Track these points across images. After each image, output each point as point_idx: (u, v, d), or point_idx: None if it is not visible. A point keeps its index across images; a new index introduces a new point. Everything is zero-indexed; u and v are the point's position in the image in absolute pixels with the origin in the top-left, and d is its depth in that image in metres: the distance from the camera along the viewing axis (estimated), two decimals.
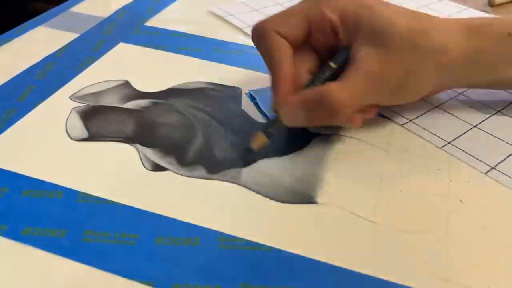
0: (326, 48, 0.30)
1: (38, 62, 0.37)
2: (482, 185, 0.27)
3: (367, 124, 0.31)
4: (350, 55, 0.28)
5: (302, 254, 0.23)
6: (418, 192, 0.27)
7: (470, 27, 0.29)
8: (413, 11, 0.29)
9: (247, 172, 0.27)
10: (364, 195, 0.26)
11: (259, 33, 0.29)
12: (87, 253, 0.22)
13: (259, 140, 0.28)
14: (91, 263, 0.22)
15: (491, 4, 0.50)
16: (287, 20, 0.29)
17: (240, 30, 0.43)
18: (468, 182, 0.27)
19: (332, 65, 0.28)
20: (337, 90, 0.26)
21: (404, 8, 0.29)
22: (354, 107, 0.27)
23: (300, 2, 0.30)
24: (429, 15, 0.29)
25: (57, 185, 0.26)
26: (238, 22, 0.44)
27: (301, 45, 0.29)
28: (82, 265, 0.22)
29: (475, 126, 0.31)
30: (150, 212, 0.25)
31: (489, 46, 0.29)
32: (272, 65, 0.28)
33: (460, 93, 0.34)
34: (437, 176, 0.28)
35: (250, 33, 0.30)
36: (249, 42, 0.40)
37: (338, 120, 0.27)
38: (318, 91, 0.26)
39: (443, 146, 0.30)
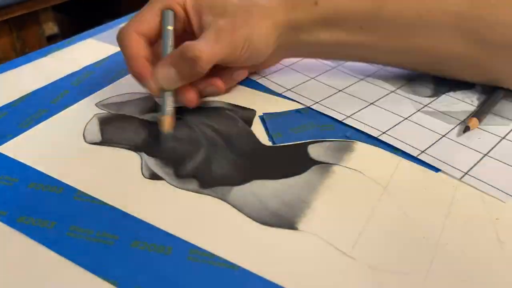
0: (183, 34, 0.34)
1: (78, 71, 0.40)
2: (468, 231, 0.25)
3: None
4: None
5: (268, 278, 0.23)
6: (406, 232, 0.25)
7: (286, 0, 0.34)
8: None
9: (237, 191, 0.28)
10: (347, 228, 0.26)
11: (119, 35, 0.33)
12: (67, 246, 0.24)
13: (167, 122, 0.32)
14: (67, 256, 0.23)
15: None
16: (142, 18, 0.33)
17: None
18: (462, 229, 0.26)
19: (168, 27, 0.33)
20: (195, 43, 0.31)
21: None
22: (213, 58, 0.31)
23: (151, 1, 0.34)
24: None
25: (60, 181, 0.28)
26: None
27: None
28: (60, 257, 0.23)
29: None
30: (134, 217, 0.26)
31: (302, 13, 0.34)
32: (126, 57, 0.33)
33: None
34: (433, 219, 0.26)
35: None
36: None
37: (200, 69, 0.31)
38: (179, 48, 0.31)
39: (461, 177, 0.29)
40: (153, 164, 0.30)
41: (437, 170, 0.30)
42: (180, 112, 0.35)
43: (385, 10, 0.34)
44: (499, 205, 0.27)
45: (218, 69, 0.35)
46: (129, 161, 0.30)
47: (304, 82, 0.39)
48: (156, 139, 0.32)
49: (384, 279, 0.23)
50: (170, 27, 0.33)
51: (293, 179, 0.29)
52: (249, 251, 0.24)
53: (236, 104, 0.36)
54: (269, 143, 0.32)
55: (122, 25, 0.34)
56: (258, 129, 0.33)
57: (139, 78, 0.32)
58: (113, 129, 0.33)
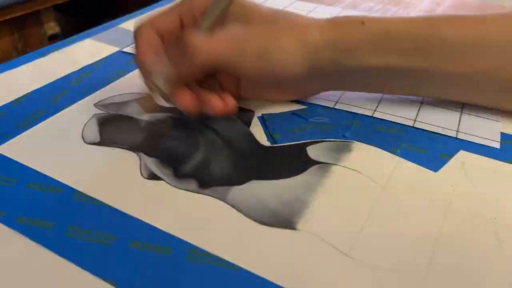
0: None
1: (77, 71, 0.40)
2: (477, 227, 0.25)
3: (368, 157, 0.30)
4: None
5: (266, 277, 0.23)
6: (405, 232, 0.25)
7: (328, 20, 0.32)
8: (276, 8, 0.33)
9: (236, 191, 0.28)
10: (345, 228, 0.26)
11: (135, 28, 0.32)
12: (66, 247, 0.24)
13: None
14: (66, 257, 0.23)
15: None
16: (161, 17, 0.33)
17: None
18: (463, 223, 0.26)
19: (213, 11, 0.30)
20: (199, 37, 0.29)
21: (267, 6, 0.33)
22: (211, 55, 0.29)
23: (176, 1, 0.33)
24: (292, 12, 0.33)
25: (58, 181, 0.28)
26: None
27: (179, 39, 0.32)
28: (59, 257, 0.23)
29: None
30: (133, 217, 0.26)
31: (345, 32, 0.31)
32: (136, 50, 0.32)
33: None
34: (432, 218, 0.26)
35: None
36: None
37: (194, 63, 0.29)
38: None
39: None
40: (152, 164, 0.30)
41: (435, 169, 0.30)
42: (180, 112, 0.35)
43: (443, 31, 0.31)
44: (498, 205, 0.27)
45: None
46: (128, 161, 0.30)
47: None
48: (154, 138, 0.32)
49: (383, 278, 0.23)
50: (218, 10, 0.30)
51: (292, 179, 0.29)
52: (248, 251, 0.24)
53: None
54: (268, 144, 0.32)
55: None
56: (256, 130, 0.33)
57: (141, 63, 0.31)
58: (112, 129, 0.33)
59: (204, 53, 0.29)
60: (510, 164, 0.30)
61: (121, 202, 0.27)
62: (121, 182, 0.28)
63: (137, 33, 0.32)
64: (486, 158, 0.31)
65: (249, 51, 0.30)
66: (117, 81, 0.39)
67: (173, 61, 0.30)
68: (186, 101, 0.30)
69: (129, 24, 0.49)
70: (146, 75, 0.31)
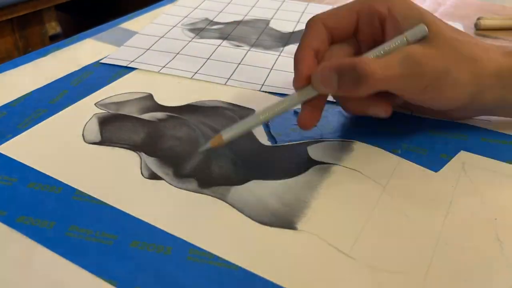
0: (371, 44, 0.30)
1: (77, 70, 0.40)
2: (473, 227, 0.25)
3: (371, 158, 0.30)
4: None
5: (267, 277, 0.23)
6: (405, 232, 0.25)
7: (506, 50, 0.31)
8: (458, 29, 0.31)
9: (237, 191, 0.28)
10: (346, 228, 0.26)
11: (307, 23, 0.31)
12: (66, 246, 0.24)
13: (217, 140, 0.29)
14: (67, 256, 0.23)
15: (478, 28, 0.51)
16: (337, 13, 0.31)
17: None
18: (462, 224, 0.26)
19: (406, 38, 0.28)
20: (372, 61, 0.27)
21: (449, 24, 0.31)
22: (383, 85, 0.28)
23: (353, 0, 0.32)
24: (472, 35, 0.32)
25: (58, 181, 0.28)
26: None
27: (349, 40, 0.31)
28: (59, 257, 0.23)
29: None
30: (133, 216, 0.26)
31: None
32: (300, 42, 0.30)
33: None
34: (432, 218, 0.26)
35: None
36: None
37: (363, 91, 0.28)
38: (355, 59, 0.28)
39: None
40: (152, 163, 0.30)
41: (436, 169, 0.30)
42: (179, 111, 0.35)
43: None
44: (498, 205, 0.27)
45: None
46: (128, 161, 0.30)
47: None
48: (154, 137, 0.32)
49: (383, 279, 0.23)
50: (398, 43, 0.28)
51: (293, 179, 0.29)
52: (249, 251, 0.24)
53: (235, 103, 0.36)
54: (269, 143, 0.32)
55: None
56: (257, 129, 0.33)
57: (295, 63, 0.30)
58: (112, 128, 0.33)
59: (373, 83, 0.27)
60: (510, 165, 0.30)
61: (122, 202, 0.27)
62: (122, 181, 0.28)
63: (306, 28, 0.30)
64: (487, 158, 0.31)
65: (424, 76, 0.28)
66: (118, 80, 0.39)
67: (333, 77, 0.28)
68: (309, 125, 0.30)
69: (129, 24, 0.49)
70: (297, 74, 0.29)
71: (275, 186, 0.28)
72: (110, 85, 0.38)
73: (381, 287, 0.23)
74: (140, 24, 0.49)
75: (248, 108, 0.36)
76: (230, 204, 0.27)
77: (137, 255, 0.24)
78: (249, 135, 0.33)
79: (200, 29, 0.49)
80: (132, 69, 0.40)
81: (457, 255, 0.24)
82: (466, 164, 0.30)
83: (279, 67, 0.42)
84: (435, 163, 0.30)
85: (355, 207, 0.27)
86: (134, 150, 0.31)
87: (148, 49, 0.44)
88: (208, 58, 0.43)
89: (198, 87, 0.38)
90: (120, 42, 0.45)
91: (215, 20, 0.52)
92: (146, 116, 0.35)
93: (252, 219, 0.26)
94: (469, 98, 0.30)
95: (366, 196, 0.28)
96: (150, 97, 0.37)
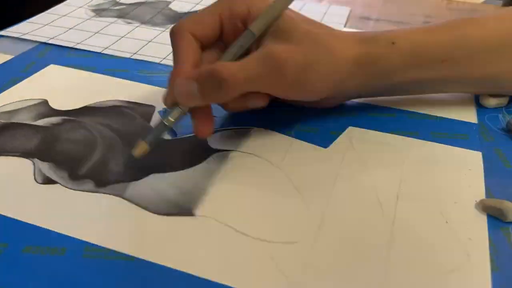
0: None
1: None
2: (358, 199, 0.27)
3: (267, 140, 0.32)
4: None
5: (164, 264, 0.23)
6: (296, 205, 0.27)
7: (361, 38, 0.32)
8: (313, 20, 0.32)
9: (134, 186, 0.28)
10: (241, 208, 0.27)
11: (173, 33, 0.30)
12: None
13: (140, 148, 0.28)
14: None
15: None
16: (201, 20, 0.31)
17: None
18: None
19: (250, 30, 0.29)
20: (230, 66, 0.28)
21: (304, 16, 0.32)
22: (245, 87, 0.28)
23: (213, 3, 0.31)
24: (327, 25, 0.32)
25: None
26: None
27: (216, 43, 0.31)
28: None
29: None
30: (25, 223, 0.25)
31: (376, 53, 0.32)
32: (174, 56, 0.30)
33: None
34: (321, 192, 0.28)
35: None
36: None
37: (226, 96, 0.28)
38: (212, 66, 0.28)
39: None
40: (46, 169, 0.29)
41: (326, 146, 0.32)
42: (76, 114, 0.34)
43: (465, 40, 0.33)
44: (379, 172, 0.30)
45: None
46: (21, 169, 0.29)
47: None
48: (48, 142, 0.31)
49: (275, 250, 0.24)
50: (242, 45, 0.29)
51: (192, 169, 0.30)
52: (146, 242, 0.25)
53: (134, 101, 0.36)
54: (169, 137, 0.33)
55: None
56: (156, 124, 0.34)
57: (170, 80, 0.29)
58: (4, 138, 0.32)
59: (233, 86, 0.27)
60: (393, 135, 0.33)
61: (13, 209, 0.26)
62: (13, 189, 0.28)
63: (173, 39, 0.30)
64: (373, 131, 0.33)
65: (286, 74, 0.28)
66: (10, 89, 0.37)
67: (194, 88, 0.27)
68: (205, 132, 0.30)
69: (25, 31, 0.47)
70: (173, 91, 0.28)
71: (175, 177, 0.29)
72: (2, 94, 0.37)
73: (273, 258, 0.24)
74: (39, 30, 0.48)
75: (146, 105, 0.36)
76: (127, 200, 0.27)
77: (29, 261, 0.23)
78: (147, 131, 0.33)
79: (102, 10, 0.53)
80: (25, 77, 0.39)
81: (342, 221, 0.26)
82: (354, 138, 0.33)
83: (158, 40, 0.47)
84: (325, 140, 0.32)
85: (250, 188, 0.28)
86: (27, 157, 0.30)
87: (47, 24, 0.49)
88: (96, 32, 0.47)
89: (96, 89, 0.38)
90: (17, 51, 0.43)
91: (121, 1, 0.55)
92: (41, 122, 0.34)
93: (149, 210, 0.26)
94: (333, 88, 0.31)
95: (261, 177, 0.29)
96: (44, 103, 0.36)
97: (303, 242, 0.25)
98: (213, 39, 0.31)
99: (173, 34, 0.30)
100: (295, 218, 0.26)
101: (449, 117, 0.35)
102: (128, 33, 0.48)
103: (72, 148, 0.31)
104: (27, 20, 0.50)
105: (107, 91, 0.37)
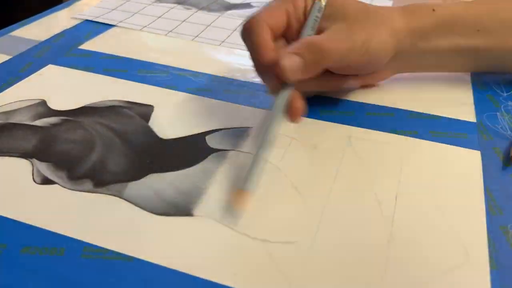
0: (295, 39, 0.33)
1: None
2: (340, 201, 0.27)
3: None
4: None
5: (165, 265, 0.23)
6: (293, 205, 0.27)
7: (405, 8, 0.36)
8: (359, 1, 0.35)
9: (132, 186, 0.28)
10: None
11: (251, 24, 0.32)
12: None
13: (239, 197, 0.27)
14: None
15: None
16: (273, 14, 0.33)
17: (170, 52, 0.44)
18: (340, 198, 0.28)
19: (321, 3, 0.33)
20: (322, 38, 0.31)
21: None
22: (337, 52, 0.31)
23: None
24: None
25: None
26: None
27: (279, 37, 0.34)
28: None
29: None
30: (23, 223, 0.25)
31: (420, 20, 0.35)
32: (256, 45, 0.31)
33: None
34: (319, 191, 0.28)
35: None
36: (176, 64, 0.41)
37: (325, 60, 0.31)
38: (307, 39, 0.31)
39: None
40: (45, 169, 0.29)
41: (324, 145, 0.32)
42: (74, 115, 0.34)
43: (500, 13, 0.36)
44: (377, 170, 0.30)
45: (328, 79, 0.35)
46: (19, 169, 0.29)
47: None
48: (47, 143, 0.31)
49: (274, 249, 0.24)
50: (317, 16, 0.33)
51: (191, 169, 0.30)
52: (145, 242, 0.25)
53: (132, 101, 0.36)
54: (168, 137, 0.32)
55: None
56: (156, 124, 0.34)
57: (266, 68, 0.31)
58: (2, 139, 0.32)
59: (329, 52, 0.31)
60: (391, 134, 0.33)
61: (11, 210, 0.26)
62: (12, 190, 0.28)
63: (253, 29, 0.31)
64: (371, 130, 0.33)
65: (357, 45, 0.32)
66: (8, 89, 0.37)
67: (298, 60, 0.30)
68: (299, 113, 0.31)
69: (20, 32, 0.47)
70: (270, 72, 0.30)
71: (173, 177, 0.29)
72: (0, 94, 0.36)
73: (272, 257, 0.24)
74: (33, 31, 0.48)
75: (145, 105, 0.36)
76: (126, 200, 0.27)
77: (28, 261, 0.23)
78: (146, 130, 0.33)
79: None
80: (23, 77, 0.39)
81: (341, 220, 0.26)
82: (352, 137, 0.33)
83: (216, 25, 0.51)
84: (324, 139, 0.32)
85: None
86: (25, 158, 0.30)
87: (114, 9, 0.54)
88: (159, 17, 0.52)
89: (94, 89, 0.38)
90: (13, 51, 0.43)
91: None
92: (39, 122, 0.34)
93: (148, 211, 0.26)
94: (392, 51, 0.34)
95: (262, 176, 0.29)
96: (42, 103, 0.36)
97: (302, 241, 0.25)
98: (282, 31, 0.33)
99: (252, 25, 0.32)
100: (294, 217, 0.26)
101: (448, 116, 0.35)
102: (189, 17, 0.52)
103: (70, 148, 0.31)
104: (96, 5, 0.54)
105: (106, 91, 0.37)
